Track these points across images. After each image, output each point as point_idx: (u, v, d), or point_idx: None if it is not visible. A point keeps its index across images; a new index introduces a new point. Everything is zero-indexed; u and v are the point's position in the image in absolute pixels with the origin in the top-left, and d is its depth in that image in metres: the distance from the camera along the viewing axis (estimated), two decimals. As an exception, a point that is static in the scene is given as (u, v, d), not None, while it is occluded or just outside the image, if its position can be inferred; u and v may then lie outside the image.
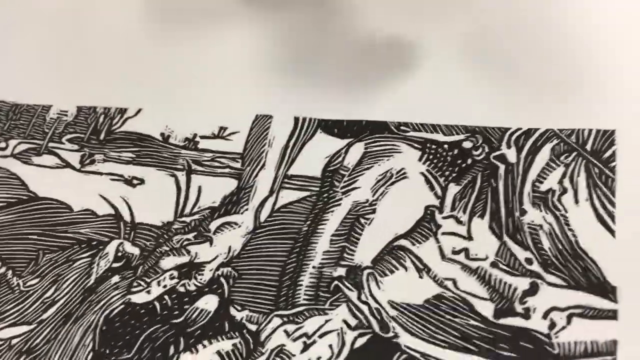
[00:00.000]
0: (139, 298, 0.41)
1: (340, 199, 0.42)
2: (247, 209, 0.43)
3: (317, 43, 0.49)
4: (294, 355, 0.37)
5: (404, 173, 0.42)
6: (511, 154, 0.41)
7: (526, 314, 0.36)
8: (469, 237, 0.39)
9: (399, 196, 0.41)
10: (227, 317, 0.39)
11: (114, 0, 0.54)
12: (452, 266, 0.39)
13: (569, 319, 0.36)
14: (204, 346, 0.39)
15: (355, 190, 0.42)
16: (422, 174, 0.42)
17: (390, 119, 0.44)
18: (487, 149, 0.42)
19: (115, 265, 0.42)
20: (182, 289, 0.41)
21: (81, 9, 0.55)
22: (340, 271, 0.40)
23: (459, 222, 0.40)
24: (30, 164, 0.48)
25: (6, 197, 0.46)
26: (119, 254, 0.43)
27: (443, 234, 0.40)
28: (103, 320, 0.40)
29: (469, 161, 0.42)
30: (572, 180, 0.39)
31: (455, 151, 0.42)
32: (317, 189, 0.43)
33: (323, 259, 0.40)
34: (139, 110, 0.49)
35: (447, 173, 0.42)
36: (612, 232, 0.38)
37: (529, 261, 0.38)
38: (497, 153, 0.41)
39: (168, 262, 0.42)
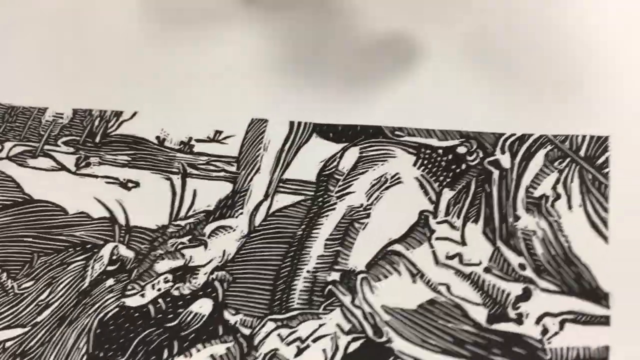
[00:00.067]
0: (133, 301, 0.41)
1: (335, 204, 0.42)
2: (242, 213, 0.43)
3: (314, 48, 0.49)
4: (287, 360, 0.38)
5: (399, 178, 0.42)
6: (505, 160, 0.41)
7: (519, 320, 0.36)
8: (463, 243, 0.39)
9: (393, 201, 0.42)
10: (221, 321, 0.39)
11: (111, 3, 0.54)
12: (445, 271, 0.39)
13: (562, 324, 0.36)
14: (198, 350, 0.39)
15: (349, 195, 0.42)
16: (417, 178, 0.42)
17: (385, 124, 0.44)
18: (481, 154, 0.42)
19: (109, 268, 0.42)
20: (176, 293, 0.41)
21: (78, 12, 0.55)
22: (335, 276, 0.40)
23: (452, 227, 0.40)
24: (26, 166, 0.48)
25: (1, 200, 0.46)
26: (114, 257, 0.43)
27: (437, 239, 0.40)
28: (97, 324, 0.40)
29: (463, 166, 0.42)
30: (566, 186, 0.40)
31: (450, 156, 0.42)
32: (312, 193, 0.43)
33: (317, 263, 0.40)
34: (134, 113, 0.49)
35: (441, 178, 0.42)
36: (605, 238, 0.38)
37: (522, 267, 0.38)
38: (491, 158, 0.42)
39: (162, 266, 0.42)
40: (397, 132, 0.44)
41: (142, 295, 0.41)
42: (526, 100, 0.43)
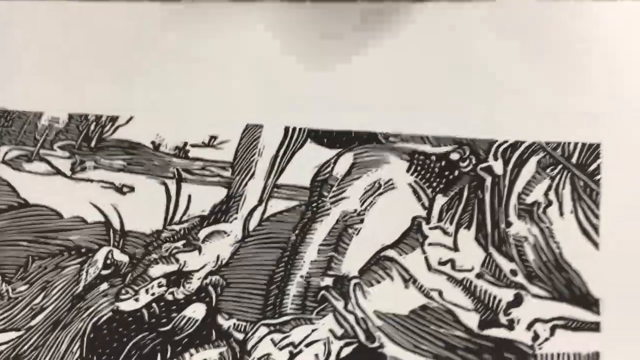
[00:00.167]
0: (127, 306, 0.41)
1: (329, 209, 0.42)
2: (236, 218, 0.43)
3: (308, 54, 0.49)
4: (280, 364, 0.38)
5: (392, 184, 0.43)
6: (498, 166, 0.42)
7: (510, 325, 0.37)
8: (455, 249, 0.40)
9: (386, 207, 0.42)
10: (214, 326, 0.39)
11: (107, 9, 0.55)
12: (438, 277, 0.39)
13: (553, 330, 0.36)
14: (191, 354, 0.39)
15: (343, 200, 0.43)
16: (410, 185, 0.42)
17: (379, 130, 0.45)
18: (474, 161, 0.42)
19: (104, 272, 0.43)
20: (170, 297, 0.41)
21: (74, 17, 0.55)
22: (328, 281, 0.40)
23: (445, 233, 0.40)
24: (21, 170, 0.48)
25: (-4, 204, 0.47)
26: (108, 261, 0.43)
27: (430, 244, 0.40)
28: (91, 328, 0.40)
29: (456, 173, 0.42)
30: (558, 192, 0.40)
31: (443, 162, 0.43)
32: (306, 198, 0.43)
33: (311, 268, 0.41)
34: (130, 118, 0.49)
35: (434, 184, 0.42)
36: (595, 244, 0.38)
37: (513, 273, 0.38)
38: (484, 165, 0.42)
39: (157, 270, 0.42)
40: (391, 138, 0.44)
41: (136, 300, 0.41)
42: (519, 107, 0.44)
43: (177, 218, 0.44)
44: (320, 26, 0.50)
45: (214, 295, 0.40)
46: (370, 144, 0.44)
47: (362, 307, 0.39)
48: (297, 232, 0.42)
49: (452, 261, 0.39)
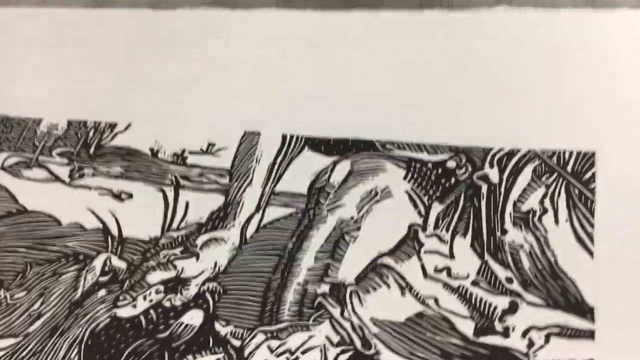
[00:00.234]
0: (124, 312, 0.41)
1: (326, 217, 0.43)
2: (233, 225, 0.44)
3: (307, 62, 0.50)
4: (277, 371, 0.38)
5: (389, 191, 0.43)
6: (494, 174, 0.42)
7: (505, 333, 0.37)
8: (451, 256, 0.40)
9: (383, 214, 0.42)
10: (211, 333, 0.40)
11: (106, 17, 0.55)
12: (434, 284, 0.39)
13: (547, 338, 0.36)
14: (188, 361, 0.39)
15: (340, 208, 0.43)
16: (407, 192, 0.43)
17: (376, 138, 0.45)
18: (470, 169, 0.42)
19: (102, 279, 0.43)
20: (167, 304, 0.41)
21: (73, 25, 0.55)
22: (324, 288, 0.40)
23: (441, 240, 0.40)
24: (20, 177, 0.48)
25: (-5, 210, 0.47)
26: (106, 268, 0.43)
27: (426, 252, 0.40)
28: (89, 334, 0.41)
29: (453, 180, 0.42)
30: (553, 201, 0.40)
31: (439, 170, 0.43)
32: (303, 206, 0.43)
33: (307, 275, 0.41)
34: (128, 125, 0.49)
35: (430, 192, 0.42)
36: (590, 253, 0.38)
37: (509, 280, 0.38)
38: (480, 173, 0.42)
39: (154, 277, 0.42)
40: (387, 146, 0.45)
41: (134, 306, 0.41)
42: (515, 115, 0.44)
43: (175, 225, 0.44)
44: (319, 34, 0.51)
45: (211, 302, 0.41)
46: (367, 151, 0.45)
47: (358, 314, 0.39)
48: (294, 239, 0.42)
49: (448, 269, 0.39)
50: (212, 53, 0.51)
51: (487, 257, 0.39)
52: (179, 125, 0.48)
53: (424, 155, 0.44)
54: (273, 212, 0.44)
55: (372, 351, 0.38)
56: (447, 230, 0.41)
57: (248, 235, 0.43)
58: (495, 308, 0.38)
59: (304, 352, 0.38)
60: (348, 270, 0.41)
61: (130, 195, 0.46)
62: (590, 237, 0.39)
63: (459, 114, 0.45)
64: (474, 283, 0.39)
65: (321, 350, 0.38)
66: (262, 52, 0.51)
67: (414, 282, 0.39)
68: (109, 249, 0.44)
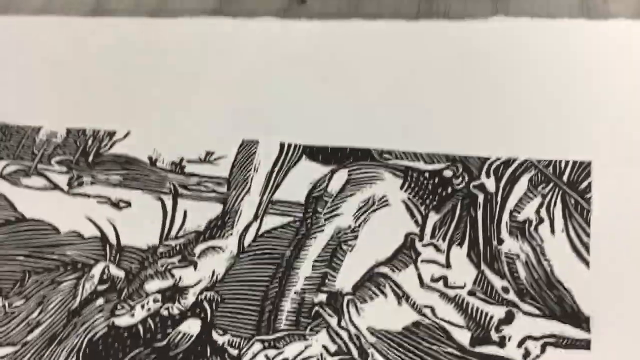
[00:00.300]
0: (122, 321, 0.41)
1: (323, 225, 0.43)
2: (231, 234, 0.44)
3: (304, 70, 0.50)
4: (274, 380, 0.38)
5: (386, 200, 0.43)
6: (490, 184, 0.42)
7: (501, 343, 0.37)
8: (448, 265, 0.40)
9: (380, 223, 0.42)
10: (209, 342, 0.40)
11: (107, 26, 0.55)
12: (430, 294, 0.39)
13: (543, 348, 0.37)
14: (186, 370, 0.39)
15: (338, 217, 0.43)
16: (404, 201, 0.43)
17: (373, 147, 0.45)
18: (467, 178, 0.43)
19: (100, 287, 0.43)
20: (165, 313, 0.41)
21: (73, 33, 0.55)
22: (322, 297, 0.40)
23: (438, 250, 0.41)
24: (19, 185, 0.48)
25: (-6, 218, 0.47)
26: (105, 276, 0.43)
27: (422, 261, 0.40)
28: (87, 343, 0.41)
29: (449, 190, 0.43)
30: (549, 210, 0.40)
31: (436, 179, 0.43)
32: (301, 214, 0.43)
33: (305, 284, 0.41)
34: (127, 133, 0.49)
35: (427, 201, 0.42)
36: (586, 262, 0.38)
37: (505, 290, 0.39)
38: (477, 182, 0.42)
39: (152, 286, 0.42)
40: (385, 155, 0.45)
41: (132, 315, 0.41)
42: (511, 125, 0.44)
43: (173, 233, 0.44)
44: (318, 43, 0.51)
45: (209, 311, 0.41)
46: (365, 160, 0.45)
47: (355, 324, 0.39)
48: (291, 248, 0.42)
49: (444, 278, 0.40)
50: (211, 62, 0.52)
51: (483, 266, 0.40)
52: (177, 134, 0.49)
53: (420, 164, 0.44)
54: (271, 221, 0.44)
55: (369, 360, 0.38)
56: (444, 240, 0.41)
57: (246, 243, 0.43)
58: (491, 318, 0.38)
59: (301, 361, 0.38)
60: (345, 279, 0.41)
61: (128, 204, 0.46)
62: (586, 246, 0.39)
63: (456, 123, 0.45)
64: (471, 292, 0.39)
65: (318, 360, 0.38)
66: (262, 61, 0.51)
67: (410, 291, 0.40)
68: (107, 258, 0.44)
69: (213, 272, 0.42)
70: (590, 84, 0.44)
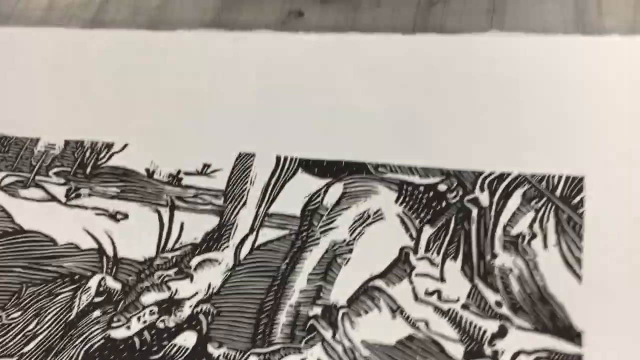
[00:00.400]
0: (118, 333, 0.42)
1: (319, 239, 0.43)
2: (227, 246, 0.44)
3: (301, 84, 0.50)
4: (268, 393, 0.38)
5: (381, 214, 0.43)
6: (484, 198, 0.43)
7: (494, 357, 0.37)
8: (442, 279, 0.40)
9: (375, 237, 0.43)
10: (204, 354, 0.40)
11: (104, 38, 0.56)
12: (424, 307, 0.40)
13: (536, 362, 0.37)
14: (181, 383, 0.40)
15: (333, 230, 0.43)
16: (398, 215, 0.43)
17: (369, 160, 0.45)
18: (461, 192, 0.43)
19: (96, 299, 0.43)
20: (161, 325, 0.41)
21: (71, 45, 0.56)
22: (316, 310, 0.41)
23: (432, 264, 0.41)
24: (17, 196, 0.49)
25: (-8, 230, 0.47)
26: (101, 288, 0.44)
27: (417, 275, 0.41)
28: (83, 355, 0.41)
29: (444, 204, 0.43)
30: (542, 225, 0.41)
31: (431, 193, 0.43)
32: (297, 227, 0.44)
33: (300, 297, 0.41)
34: (125, 145, 0.50)
35: (422, 215, 0.43)
36: (579, 277, 0.39)
37: (498, 304, 0.39)
38: (471, 196, 0.43)
39: (149, 298, 0.43)
40: (380, 169, 0.45)
41: (128, 328, 0.42)
42: (505, 139, 0.45)
43: (169, 246, 0.45)
44: (314, 56, 0.52)
45: (204, 324, 0.41)
46: (360, 174, 0.45)
47: (349, 337, 0.39)
48: (287, 261, 0.43)
49: (438, 292, 0.40)
50: (208, 74, 0.52)
51: (477, 280, 0.40)
52: (174, 146, 0.49)
53: (415, 178, 0.44)
54: (267, 234, 0.44)
55: (363, 374, 0.38)
56: (438, 254, 0.41)
57: (242, 256, 0.43)
58: (484, 332, 0.38)
59: (295, 375, 0.39)
60: (340, 292, 0.41)
61: (125, 216, 0.47)
62: (579, 261, 0.39)
63: (451, 137, 0.45)
64: (464, 306, 0.39)
65: (312, 373, 0.39)
66: (258, 74, 0.51)
67: (405, 305, 0.40)
68: (104, 270, 0.44)
69: (209, 285, 0.43)
70: (584, 99, 0.45)
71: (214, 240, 0.44)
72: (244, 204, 0.45)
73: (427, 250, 0.41)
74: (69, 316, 0.43)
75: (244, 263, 0.43)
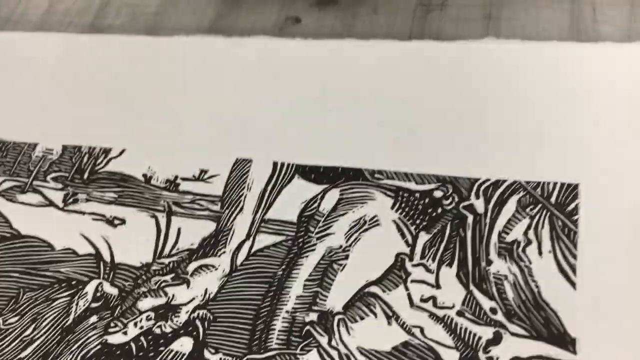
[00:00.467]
0: (115, 339, 0.42)
1: (315, 245, 0.43)
2: (224, 252, 0.44)
3: (298, 91, 0.51)
4: (264, 399, 0.39)
5: (377, 220, 0.44)
6: (479, 205, 0.43)
7: (489, 363, 0.38)
8: (437, 286, 0.41)
9: (371, 243, 0.43)
10: (200, 360, 0.40)
11: (103, 43, 0.56)
12: (420, 314, 0.40)
13: (530, 369, 0.37)
14: (178, 388, 0.40)
15: (329, 236, 0.44)
16: (394, 221, 0.43)
17: (365, 167, 0.46)
18: (456, 199, 0.43)
19: (93, 305, 0.43)
20: (158, 331, 0.42)
21: (69, 50, 0.56)
22: (313, 316, 0.41)
23: (428, 270, 0.41)
24: (15, 201, 0.49)
25: (-11, 235, 0.48)
26: (98, 294, 0.44)
27: (412, 281, 0.41)
28: (80, 361, 0.41)
29: (439, 210, 0.43)
30: (537, 232, 0.41)
31: (427, 200, 0.44)
32: (293, 233, 0.44)
33: (296, 303, 0.41)
34: (122, 151, 0.50)
35: (418, 221, 0.43)
36: (573, 284, 0.39)
37: (493, 311, 0.39)
38: (466, 203, 0.43)
39: (145, 304, 0.43)
40: (376, 175, 0.45)
41: (125, 333, 0.42)
42: (501, 146, 0.45)
43: (166, 251, 0.45)
44: (312, 62, 0.52)
45: (201, 330, 0.41)
46: (357, 180, 0.45)
47: (345, 343, 0.40)
48: (283, 267, 0.43)
49: (433, 298, 0.40)
50: (206, 80, 0.52)
51: (472, 287, 0.40)
52: (171, 152, 0.49)
53: (411, 185, 0.45)
54: (263, 240, 0.44)
55: (358, 380, 0.38)
56: (434, 260, 0.41)
57: (238, 262, 0.44)
58: (479, 338, 0.38)
59: (291, 380, 0.39)
60: (336, 298, 0.41)
61: (123, 221, 0.47)
62: (573, 268, 0.39)
63: (446, 144, 0.46)
64: (459, 313, 0.39)
65: (308, 379, 0.39)
66: (255, 80, 0.52)
67: (400, 311, 0.40)
68: (101, 275, 0.44)
69: (206, 291, 0.43)
70: (579, 106, 0.45)
71: (210, 246, 0.45)
72: (241, 209, 0.46)
73: (422, 256, 0.42)
74: (66, 321, 0.43)
75: (240, 269, 0.43)
